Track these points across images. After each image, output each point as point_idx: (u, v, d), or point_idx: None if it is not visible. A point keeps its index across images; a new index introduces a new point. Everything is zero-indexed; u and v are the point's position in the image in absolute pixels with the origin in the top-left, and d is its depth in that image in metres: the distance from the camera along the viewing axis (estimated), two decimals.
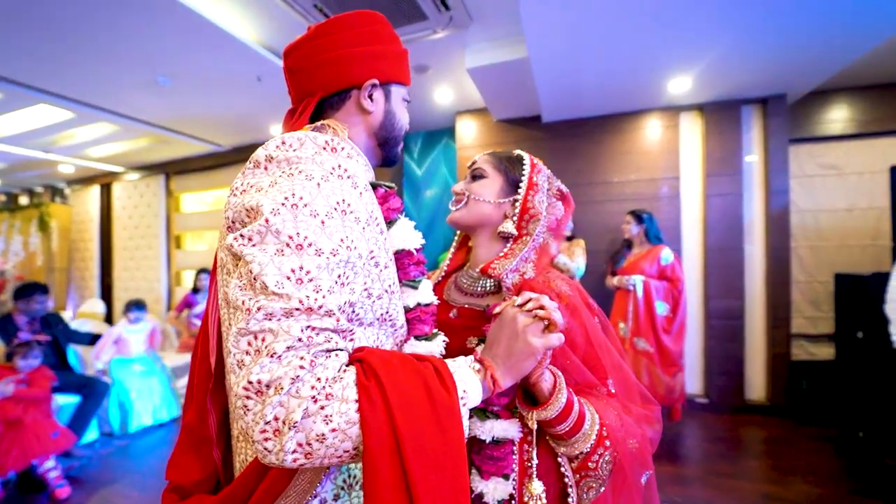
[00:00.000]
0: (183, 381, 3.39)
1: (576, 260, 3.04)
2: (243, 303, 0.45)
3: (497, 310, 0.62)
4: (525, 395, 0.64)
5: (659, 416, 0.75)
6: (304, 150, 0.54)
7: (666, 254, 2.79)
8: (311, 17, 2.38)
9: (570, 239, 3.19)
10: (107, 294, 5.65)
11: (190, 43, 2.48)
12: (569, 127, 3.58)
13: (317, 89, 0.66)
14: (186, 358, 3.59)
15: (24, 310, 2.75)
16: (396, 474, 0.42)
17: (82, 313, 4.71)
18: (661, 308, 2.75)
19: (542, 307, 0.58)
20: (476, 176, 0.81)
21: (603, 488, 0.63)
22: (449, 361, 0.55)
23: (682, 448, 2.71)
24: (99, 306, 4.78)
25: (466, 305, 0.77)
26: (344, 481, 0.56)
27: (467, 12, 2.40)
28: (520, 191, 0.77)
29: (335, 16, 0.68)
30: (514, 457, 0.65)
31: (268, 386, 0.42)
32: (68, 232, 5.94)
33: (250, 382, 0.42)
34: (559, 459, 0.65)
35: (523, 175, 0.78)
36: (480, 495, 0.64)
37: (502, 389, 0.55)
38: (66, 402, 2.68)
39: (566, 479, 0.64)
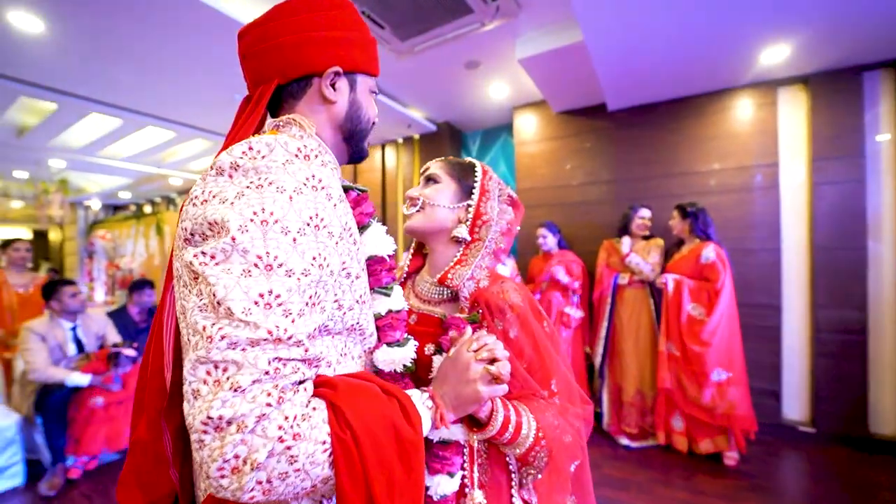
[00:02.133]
0: None
1: (650, 261, 2.74)
2: (204, 328, 0.41)
3: (453, 349, 0.65)
4: (470, 418, 0.69)
5: (591, 414, 0.80)
6: (273, 158, 0.49)
7: (707, 252, 2.48)
8: None
9: (647, 238, 2.88)
10: None
11: None
12: (638, 114, 3.24)
13: (273, 75, 0.60)
14: None
15: (136, 302, 3.23)
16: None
17: None
18: (693, 310, 2.48)
19: (494, 359, 0.60)
20: (430, 180, 0.82)
21: (540, 475, 0.74)
22: (411, 394, 0.57)
23: (778, 484, 2.29)
24: None
25: (424, 311, 0.81)
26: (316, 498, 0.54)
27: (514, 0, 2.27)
28: (473, 196, 0.80)
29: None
30: (460, 458, 0.71)
31: (229, 422, 0.39)
32: None
33: (209, 418, 0.39)
34: (505, 451, 0.73)
35: (475, 181, 0.81)
36: (426, 488, 0.68)
37: (446, 424, 0.58)
38: None
39: (511, 467, 0.75)
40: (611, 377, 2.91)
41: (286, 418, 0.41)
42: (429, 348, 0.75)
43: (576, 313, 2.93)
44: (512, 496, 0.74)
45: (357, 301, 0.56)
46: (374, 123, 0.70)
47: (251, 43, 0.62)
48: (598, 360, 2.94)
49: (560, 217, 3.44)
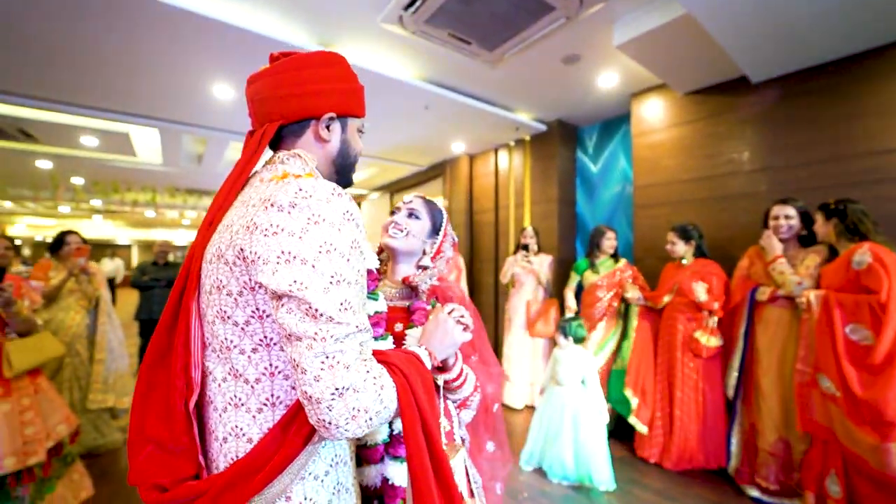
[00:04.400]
0: None
1: (802, 272, 2.14)
2: (316, 333, 0.58)
3: (433, 315, 0.91)
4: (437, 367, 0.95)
5: (499, 373, 1.24)
6: (318, 196, 0.63)
7: (860, 255, 1.82)
8: (449, 45, 2.57)
9: (806, 242, 2.26)
10: None
11: (373, 93, 3.10)
12: (794, 83, 2.53)
13: (277, 117, 0.75)
14: None
15: None
16: (416, 416, 0.67)
17: None
18: (853, 333, 1.81)
19: (462, 315, 0.93)
20: (413, 216, 1.07)
21: (473, 413, 1.05)
22: (416, 351, 0.79)
23: None
24: None
25: (392, 305, 1.05)
26: (332, 459, 0.71)
27: None
28: (438, 236, 1.08)
29: (299, 54, 0.76)
30: None
31: (347, 388, 0.58)
32: None
33: (336, 388, 0.58)
34: (448, 402, 1.00)
35: (442, 225, 1.09)
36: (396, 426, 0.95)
37: (438, 362, 0.85)
38: None
39: (452, 414, 1.02)
40: (745, 414, 2.37)
41: (374, 378, 0.62)
42: (397, 326, 1.01)
43: (711, 341, 2.46)
44: (454, 435, 1.01)
45: (363, 304, 0.70)
46: (359, 157, 0.86)
47: (260, 90, 0.76)
48: (731, 393, 2.43)
49: (689, 217, 2.93)
